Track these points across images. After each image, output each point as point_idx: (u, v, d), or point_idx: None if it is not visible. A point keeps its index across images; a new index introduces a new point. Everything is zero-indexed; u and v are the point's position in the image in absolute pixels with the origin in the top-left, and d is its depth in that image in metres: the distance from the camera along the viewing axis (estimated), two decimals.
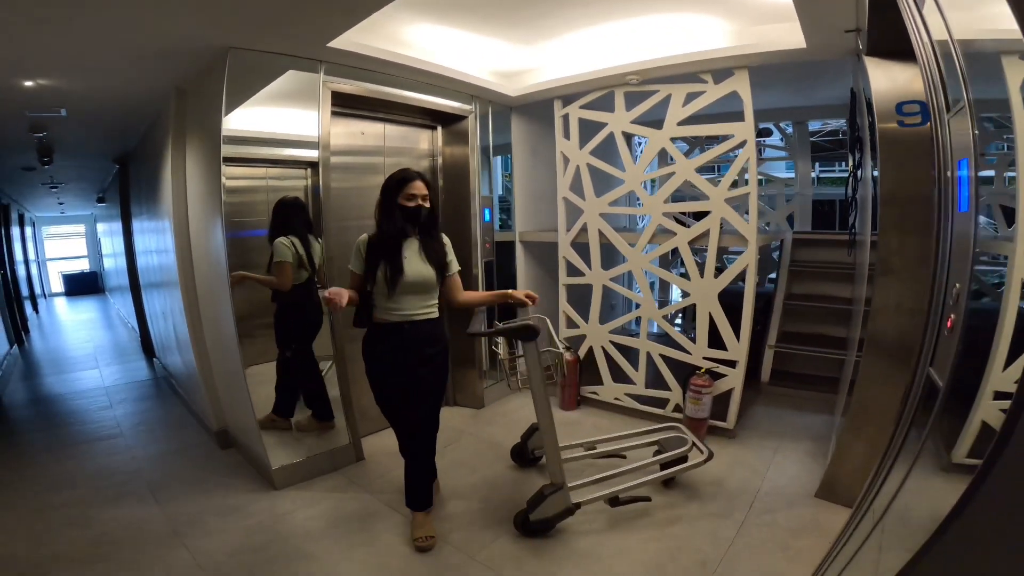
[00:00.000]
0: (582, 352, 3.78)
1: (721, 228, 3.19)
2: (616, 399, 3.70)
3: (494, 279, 3.92)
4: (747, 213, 3.15)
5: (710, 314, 3.23)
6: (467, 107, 3.61)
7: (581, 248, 3.78)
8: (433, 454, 2.39)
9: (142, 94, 3.16)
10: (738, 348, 3.18)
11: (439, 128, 3.73)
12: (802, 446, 3.11)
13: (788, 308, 4.05)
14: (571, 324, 3.87)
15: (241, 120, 2.82)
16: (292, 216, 2.81)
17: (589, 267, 3.71)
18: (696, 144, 4.83)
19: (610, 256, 3.75)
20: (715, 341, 3.25)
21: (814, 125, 6.60)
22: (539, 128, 4.19)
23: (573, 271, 3.82)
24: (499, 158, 4.47)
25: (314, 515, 2.52)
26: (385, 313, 2.22)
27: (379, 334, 2.25)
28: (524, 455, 2.94)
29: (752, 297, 3.12)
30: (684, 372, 3.35)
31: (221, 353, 3.09)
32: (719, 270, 3.26)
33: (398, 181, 2.21)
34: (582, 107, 3.62)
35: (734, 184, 3.15)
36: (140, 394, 4.64)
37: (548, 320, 2.48)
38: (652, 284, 4.97)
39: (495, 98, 3.77)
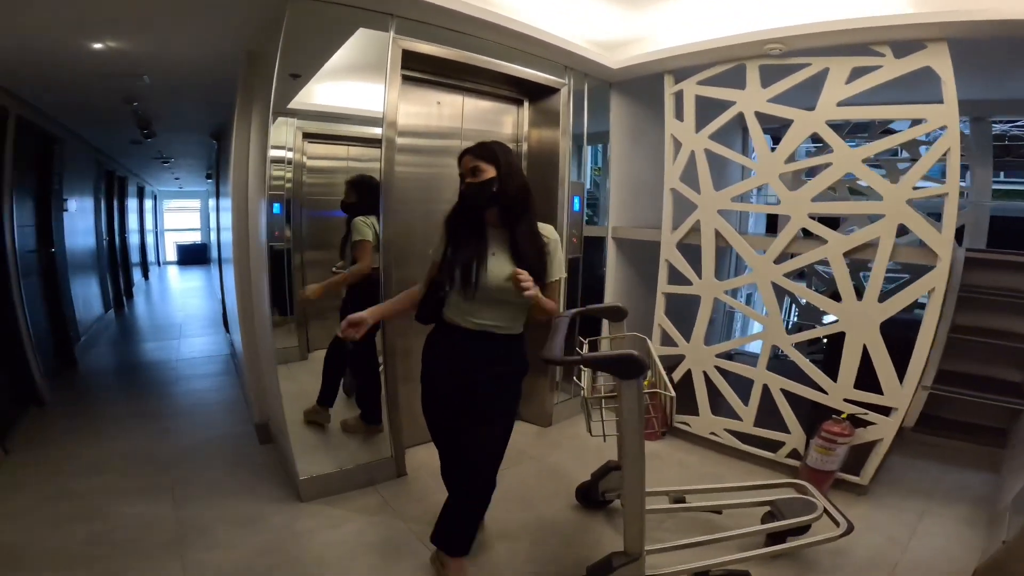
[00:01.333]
0: (677, 374, 3.17)
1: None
2: (713, 434, 3.08)
3: (579, 279, 3.41)
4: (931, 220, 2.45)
5: (864, 347, 2.53)
6: (560, 80, 3.10)
7: (688, 251, 3.16)
8: (486, 495, 1.91)
9: (212, 58, 2.95)
10: (899, 393, 2.48)
11: (526, 104, 3.25)
12: (955, 510, 2.44)
13: (951, 342, 3.19)
14: (666, 340, 3.26)
15: (321, 94, 2.70)
16: (371, 194, 2.59)
17: (699, 274, 3.08)
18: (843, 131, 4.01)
19: (721, 262, 3.11)
20: (864, 380, 2.56)
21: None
22: (642, 108, 3.61)
23: (677, 277, 3.20)
24: (589, 148, 3.96)
25: (335, 540, 2.20)
26: (456, 314, 1.79)
27: (443, 335, 1.85)
28: (592, 496, 2.43)
29: (932, 330, 2.41)
30: (810, 412, 2.71)
31: (258, 339, 2.89)
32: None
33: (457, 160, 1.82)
34: (700, 83, 3.00)
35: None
36: (210, 370, 4.62)
37: (650, 343, 1.94)
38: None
39: (592, 70, 3.23)
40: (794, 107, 2.71)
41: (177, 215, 14.03)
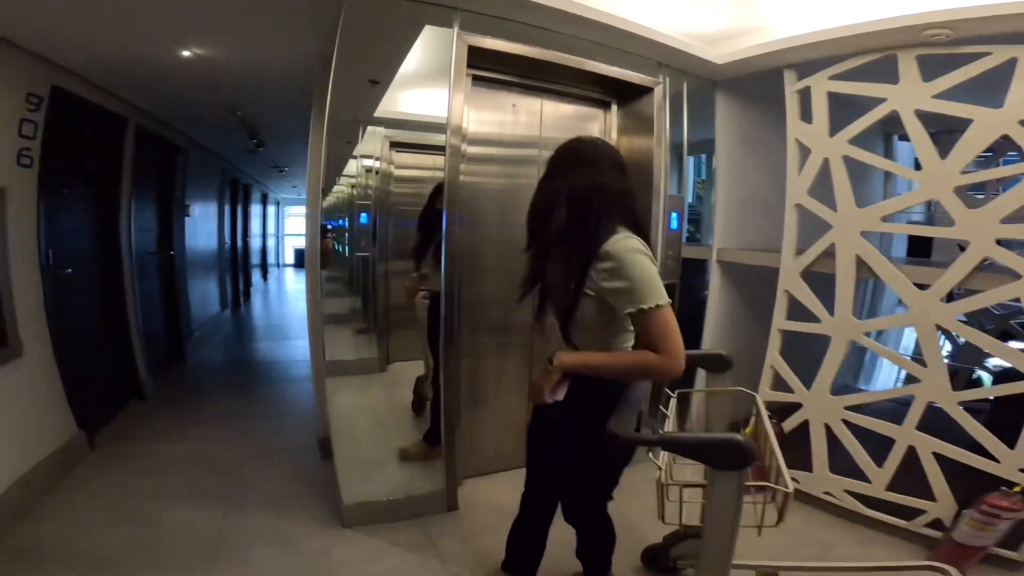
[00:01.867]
0: (790, 424, 2.62)
1: None
2: (828, 494, 2.49)
3: (674, 307, 2.96)
4: None
5: None
6: (653, 79, 2.71)
7: (816, 280, 2.60)
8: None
9: (287, 65, 2.94)
10: None
11: (613, 107, 2.88)
12: None
13: None
14: (779, 384, 2.70)
15: (405, 101, 2.71)
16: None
17: (830, 311, 2.51)
18: None
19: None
20: None
21: None
22: (754, 109, 3.10)
23: (799, 312, 2.63)
24: (691, 159, 3.48)
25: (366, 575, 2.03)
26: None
27: None
28: (660, 562, 2.06)
29: None
30: (964, 478, 2.15)
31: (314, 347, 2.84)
32: None
33: None
34: (833, 78, 2.46)
35: None
36: (305, 374, 4.70)
37: (761, 405, 1.52)
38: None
39: (692, 66, 2.79)
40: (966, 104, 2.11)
41: (298, 220, 15.20)
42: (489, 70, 2.46)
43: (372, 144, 3.75)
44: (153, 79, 3.05)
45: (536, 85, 2.63)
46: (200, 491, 2.58)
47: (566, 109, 2.78)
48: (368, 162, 4.03)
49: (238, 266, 7.71)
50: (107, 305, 3.60)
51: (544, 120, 2.71)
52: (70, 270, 2.98)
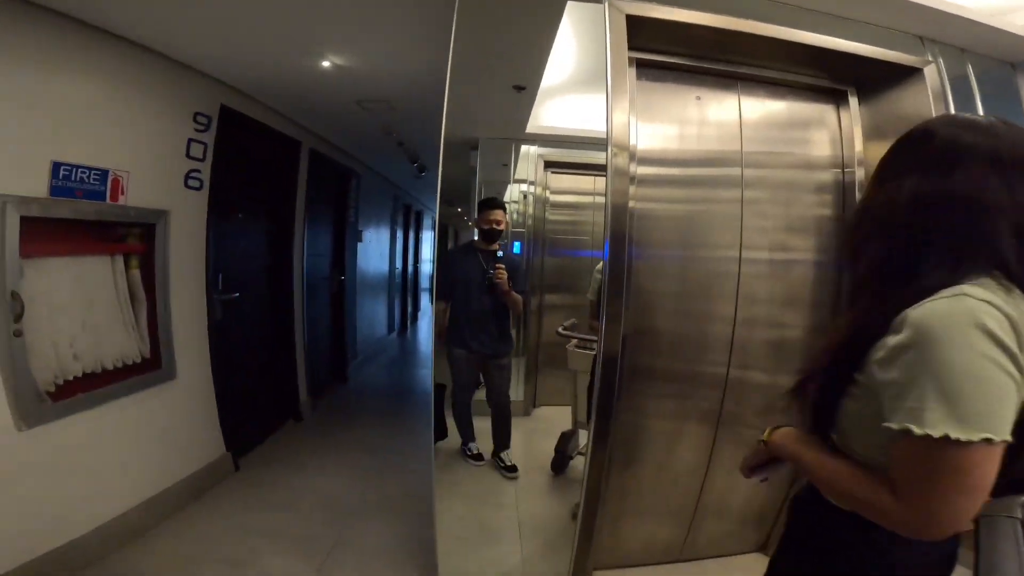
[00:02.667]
0: None
1: None
2: None
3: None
4: None
5: None
6: (918, 58, 1.87)
7: None
8: None
9: (431, 79, 2.65)
10: None
11: (850, 100, 2.03)
12: None
13: None
14: None
15: (562, 113, 2.25)
16: None
17: None
18: None
19: None
20: None
21: None
22: None
23: None
24: None
25: None
26: None
27: None
28: None
29: None
30: None
31: None
32: None
33: None
34: None
35: None
36: None
37: None
38: None
39: (977, 41, 1.90)
40: None
41: None
42: (658, 52, 1.84)
43: (526, 166, 3.36)
44: (304, 91, 2.97)
45: (729, 71, 1.93)
46: (308, 535, 2.41)
47: (775, 106, 2.02)
48: (523, 186, 3.69)
49: (407, 290, 7.98)
50: (274, 328, 3.70)
51: (744, 121, 1.98)
52: (237, 294, 3.05)
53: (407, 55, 2.32)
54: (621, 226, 1.65)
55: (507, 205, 3.24)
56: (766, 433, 0.98)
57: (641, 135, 1.83)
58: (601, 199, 1.93)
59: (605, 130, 1.62)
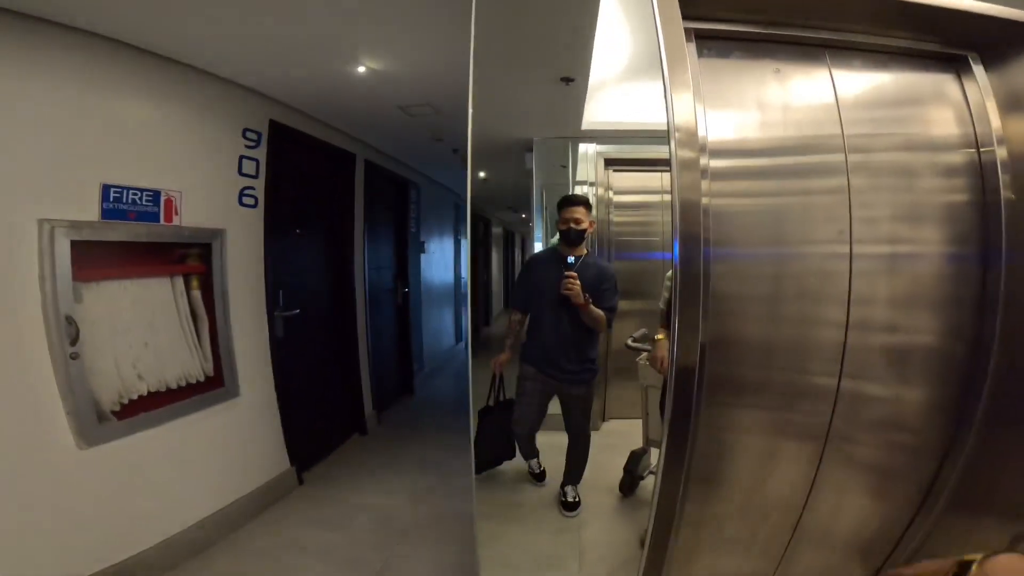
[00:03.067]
0: None
1: None
2: None
3: None
4: None
5: None
6: None
7: None
8: None
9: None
10: None
11: (974, 67, 1.65)
12: None
13: None
14: None
15: (621, 106, 2.07)
16: None
17: None
18: None
19: None
20: None
21: None
22: None
23: None
24: None
25: None
26: None
27: None
28: None
29: None
30: None
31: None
32: None
33: None
34: None
35: None
36: None
37: None
38: None
39: None
40: None
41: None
42: (719, 20, 1.55)
43: (585, 166, 3.16)
44: (345, 100, 2.91)
45: (813, 38, 1.61)
46: (354, 558, 2.35)
47: (879, 79, 1.68)
48: (584, 188, 3.49)
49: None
50: (337, 342, 3.71)
51: (840, 97, 1.66)
52: (298, 310, 3.06)
53: (441, 55, 2.20)
54: (693, 226, 1.41)
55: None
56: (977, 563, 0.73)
57: (709, 118, 1.58)
58: (667, 197, 1.68)
59: (665, 120, 1.40)
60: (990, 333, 1.60)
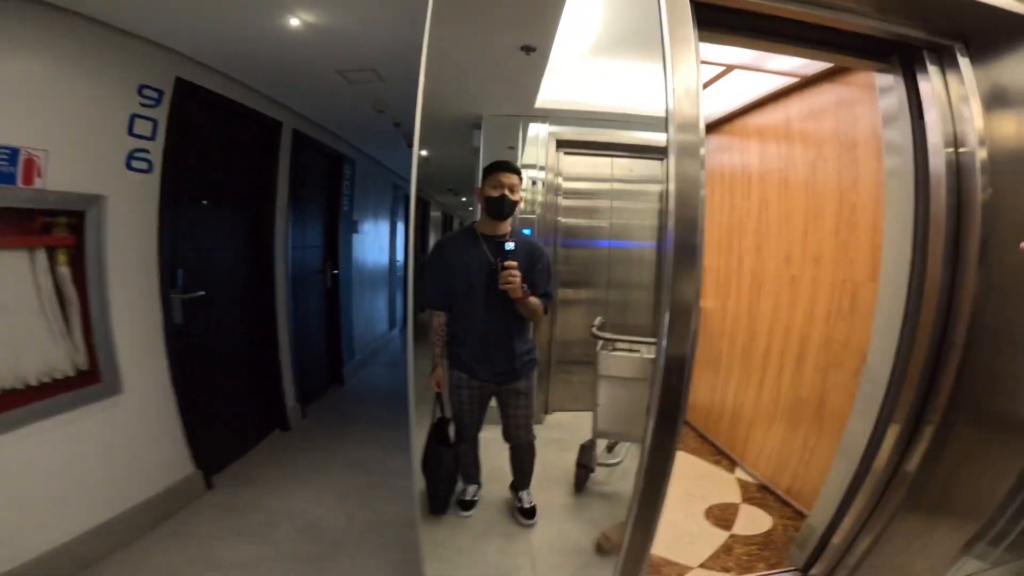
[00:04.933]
0: None
1: None
2: None
3: None
4: None
5: None
6: None
7: None
8: None
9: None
10: None
11: (961, 60, 1.50)
12: None
13: None
14: None
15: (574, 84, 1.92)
16: None
17: None
18: None
19: None
20: None
21: None
22: None
23: None
24: None
25: None
26: None
27: None
28: None
29: None
30: None
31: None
32: None
33: None
34: None
35: None
36: None
37: None
38: None
39: None
40: None
41: None
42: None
43: (535, 150, 2.97)
44: (273, 61, 2.55)
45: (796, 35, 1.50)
46: (279, 574, 2.09)
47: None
48: (532, 172, 3.30)
49: (405, 287, 7.62)
50: (253, 329, 3.33)
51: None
52: (203, 292, 2.69)
53: (391, 10, 1.91)
54: (691, 212, 1.27)
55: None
56: None
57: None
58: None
59: (665, 102, 1.24)
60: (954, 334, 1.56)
